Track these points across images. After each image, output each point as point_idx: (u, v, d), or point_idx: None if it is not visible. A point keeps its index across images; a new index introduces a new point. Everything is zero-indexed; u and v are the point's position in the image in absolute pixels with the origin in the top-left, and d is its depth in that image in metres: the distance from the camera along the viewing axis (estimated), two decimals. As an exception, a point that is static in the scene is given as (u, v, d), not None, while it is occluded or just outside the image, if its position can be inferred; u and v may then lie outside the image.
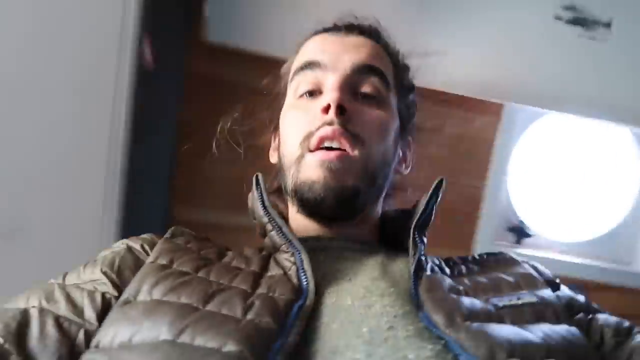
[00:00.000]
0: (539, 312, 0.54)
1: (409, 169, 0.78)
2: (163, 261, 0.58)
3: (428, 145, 1.33)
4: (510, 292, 0.58)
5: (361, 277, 0.58)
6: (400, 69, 0.76)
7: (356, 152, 0.64)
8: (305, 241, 0.62)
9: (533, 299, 0.56)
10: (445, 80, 1.28)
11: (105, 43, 1.01)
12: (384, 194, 0.73)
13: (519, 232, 1.52)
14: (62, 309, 0.54)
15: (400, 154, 0.76)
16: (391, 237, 0.71)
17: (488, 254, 0.70)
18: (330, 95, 0.64)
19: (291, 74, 0.72)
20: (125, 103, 1.02)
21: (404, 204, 0.73)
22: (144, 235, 0.66)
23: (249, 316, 0.48)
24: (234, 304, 0.50)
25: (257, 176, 0.66)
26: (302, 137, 0.65)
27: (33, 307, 0.54)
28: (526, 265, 0.66)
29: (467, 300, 0.53)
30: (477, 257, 0.70)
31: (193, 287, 0.52)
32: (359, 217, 0.67)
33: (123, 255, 0.61)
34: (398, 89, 0.73)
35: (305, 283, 0.54)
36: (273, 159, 0.77)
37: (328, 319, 0.51)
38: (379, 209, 0.73)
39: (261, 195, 0.64)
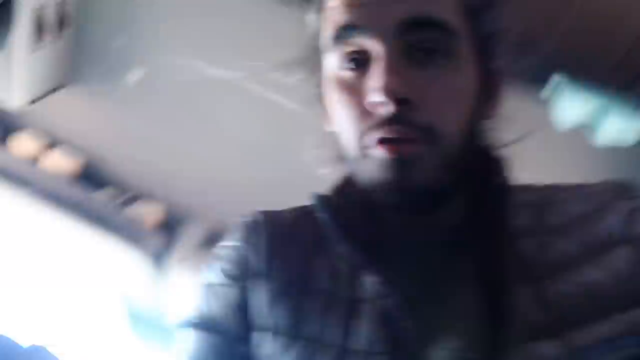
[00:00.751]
0: None
1: (496, 112, 0.59)
2: (269, 321, 0.53)
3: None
4: (603, 317, 0.45)
5: (452, 307, 0.50)
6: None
7: (429, 147, 0.50)
8: (376, 240, 0.53)
9: None
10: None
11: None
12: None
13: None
14: None
15: (485, 103, 0.57)
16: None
17: (592, 189, 0.54)
18: (379, 85, 0.48)
19: (324, 42, 0.57)
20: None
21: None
22: (235, 265, 0.57)
23: None
24: None
25: (320, 199, 0.56)
26: (356, 137, 0.52)
27: None
28: (623, 245, 0.48)
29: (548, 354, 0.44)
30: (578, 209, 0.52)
31: None
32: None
33: (234, 310, 0.55)
34: (473, 25, 0.55)
35: (404, 334, 0.48)
36: (327, 127, 0.61)
37: None
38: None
39: (331, 220, 0.54)
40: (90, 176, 1.42)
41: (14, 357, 1.11)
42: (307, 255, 0.56)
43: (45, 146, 1.40)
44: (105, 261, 1.38)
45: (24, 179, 1.34)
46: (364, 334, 0.49)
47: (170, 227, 1.38)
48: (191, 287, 1.35)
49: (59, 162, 1.38)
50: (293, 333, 0.51)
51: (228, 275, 0.57)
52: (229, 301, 0.56)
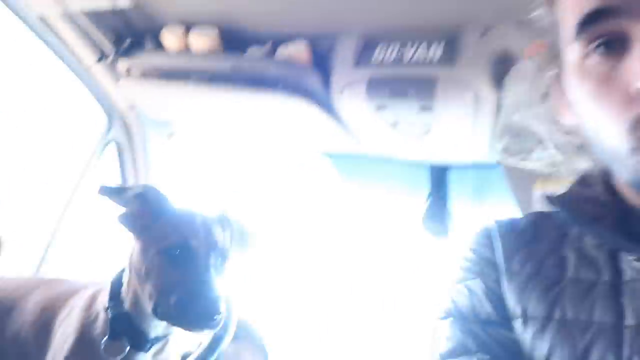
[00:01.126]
0: None
1: None
2: (517, 309, 0.57)
3: None
4: None
5: None
6: None
7: None
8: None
9: None
10: None
11: None
12: None
13: None
14: None
15: None
16: None
17: None
18: None
19: (566, 30, 0.53)
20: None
21: None
22: (476, 264, 0.63)
23: None
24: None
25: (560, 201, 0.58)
26: (621, 128, 0.48)
27: None
28: None
29: None
30: None
31: (562, 348, 0.52)
32: None
33: (487, 300, 0.60)
34: None
35: None
36: (565, 118, 0.59)
37: None
38: None
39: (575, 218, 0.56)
40: (230, 44, 1.47)
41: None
42: (551, 248, 0.58)
43: (183, 33, 1.47)
44: (278, 114, 1.48)
45: (185, 70, 1.45)
46: (633, 309, 0.50)
47: (319, 61, 1.40)
48: (359, 113, 1.39)
49: (201, 42, 1.45)
50: (546, 318, 0.54)
51: (473, 272, 0.63)
52: (480, 293, 0.61)
